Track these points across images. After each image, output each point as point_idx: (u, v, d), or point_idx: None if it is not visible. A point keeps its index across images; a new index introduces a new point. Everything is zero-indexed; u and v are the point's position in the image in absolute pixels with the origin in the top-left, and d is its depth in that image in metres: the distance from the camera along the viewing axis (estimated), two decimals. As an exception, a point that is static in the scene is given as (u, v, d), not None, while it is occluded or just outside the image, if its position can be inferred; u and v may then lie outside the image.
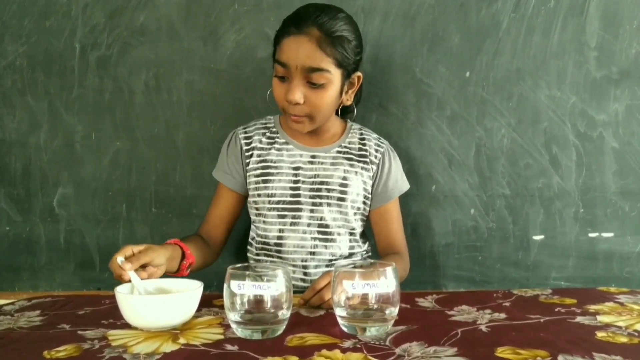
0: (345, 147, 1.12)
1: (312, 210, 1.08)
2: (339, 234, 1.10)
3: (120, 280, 0.84)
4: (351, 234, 1.11)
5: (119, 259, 0.83)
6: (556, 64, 1.25)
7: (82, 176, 1.29)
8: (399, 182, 1.14)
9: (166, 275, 0.92)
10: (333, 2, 1.21)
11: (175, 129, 1.28)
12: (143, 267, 0.86)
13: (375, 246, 1.17)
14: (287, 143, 1.11)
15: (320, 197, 1.08)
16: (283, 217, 1.09)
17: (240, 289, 0.73)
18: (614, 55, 1.25)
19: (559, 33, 1.25)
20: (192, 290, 0.79)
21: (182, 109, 1.28)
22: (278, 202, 1.08)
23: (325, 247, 1.09)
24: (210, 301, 0.92)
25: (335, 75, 1.00)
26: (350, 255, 1.11)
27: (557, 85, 1.25)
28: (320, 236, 1.09)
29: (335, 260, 1.09)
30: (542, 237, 1.27)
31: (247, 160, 1.11)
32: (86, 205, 1.29)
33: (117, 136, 1.29)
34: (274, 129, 1.14)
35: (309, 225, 1.08)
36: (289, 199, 1.08)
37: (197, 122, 1.28)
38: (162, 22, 1.27)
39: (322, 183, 1.09)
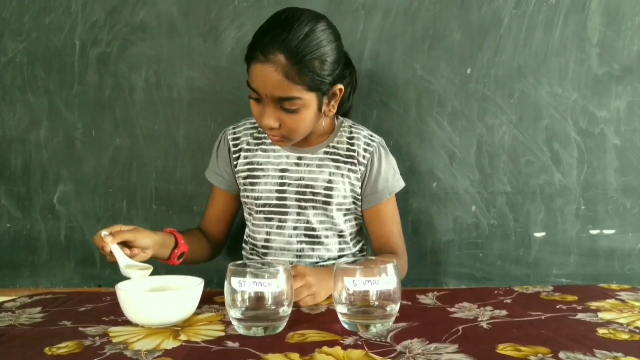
0: (333, 147, 1.09)
1: (298, 214, 1.07)
2: (326, 237, 1.08)
3: (103, 253, 0.88)
4: (340, 236, 1.10)
5: (103, 232, 0.86)
6: (557, 61, 1.24)
7: (82, 173, 1.29)
8: (390, 182, 1.10)
9: (155, 262, 0.93)
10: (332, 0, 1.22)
11: (175, 126, 1.28)
12: (128, 247, 0.88)
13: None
14: (273, 144, 1.09)
15: (305, 200, 1.06)
16: (270, 219, 1.08)
17: (241, 286, 0.73)
18: (615, 51, 1.24)
19: (561, 30, 1.24)
20: (192, 287, 0.79)
21: (182, 105, 1.28)
22: (264, 205, 1.07)
23: (313, 249, 1.08)
24: (211, 298, 0.92)
25: (308, 99, 0.95)
26: (340, 257, 1.10)
27: (559, 82, 1.25)
28: (307, 239, 1.07)
29: (324, 262, 1.08)
30: (543, 234, 1.27)
31: (235, 162, 1.11)
32: (86, 203, 1.29)
33: (117, 133, 1.28)
34: (261, 129, 1.10)
35: (295, 228, 1.07)
36: (275, 202, 1.07)
37: (197, 119, 1.28)
38: (162, 19, 1.26)
39: (307, 186, 1.06)
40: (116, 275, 1.34)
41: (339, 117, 1.13)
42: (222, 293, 0.76)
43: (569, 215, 1.27)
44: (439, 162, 1.27)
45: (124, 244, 0.88)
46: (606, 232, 1.27)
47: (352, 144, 1.09)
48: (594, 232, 1.27)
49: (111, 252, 0.86)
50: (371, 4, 1.25)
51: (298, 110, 0.95)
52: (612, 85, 1.25)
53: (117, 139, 1.28)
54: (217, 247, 1.15)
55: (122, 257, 0.86)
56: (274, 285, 0.73)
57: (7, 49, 1.28)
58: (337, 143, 1.09)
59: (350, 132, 1.10)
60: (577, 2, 1.23)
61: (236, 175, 1.11)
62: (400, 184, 1.12)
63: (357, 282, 0.74)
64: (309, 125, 1.01)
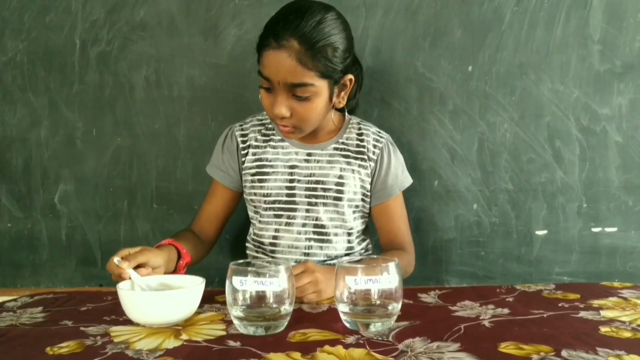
0: (343, 143, 1.09)
1: (307, 210, 1.06)
2: (335, 235, 1.08)
3: (119, 281, 0.84)
4: (349, 234, 1.09)
5: (116, 259, 0.83)
6: (559, 58, 1.24)
7: (83, 172, 1.29)
8: (399, 177, 1.11)
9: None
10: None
11: (176, 124, 1.28)
12: (141, 267, 0.85)
13: (378, 242, 1.17)
14: (282, 140, 1.09)
15: (316, 196, 1.06)
16: (279, 216, 1.07)
17: (243, 285, 0.73)
18: (617, 48, 1.24)
19: (562, 26, 1.24)
20: (194, 286, 0.79)
21: (182, 104, 1.27)
22: (274, 202, 1.07)
23: (320, 247, 1.08)
24: (213, 297, 0.92)
25: (320, 86, 0.95)
26: (347, 256, 1.09)
27: (560, 79, 1.24)
28: (316, 237, 1.07)
29: (331, 261, 1.08)
30: (545, 232, 1.27)
31: (243, 159, 1.10)
32: (87, 202, 1.29)
33: (118, 132, 1.28)
34: (270, 126, 1.11)
35: (303, 225, 1.07)
36: (284, 198, 1.07)
37: (198, 117, 1.28)
38: (163, 17, 1.26)
39: (317, 182, 1.06)
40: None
41: (347, 114, 1.13)
42: (224, 292, 0.76)
43: (570, 213, 1.26)
44: (441, 160, 1.27)
45: (138, 266, 0.85)
46: (608, 229, 1.26)
47: (362, 140, 1.10)
48: (596, 229, 1.27)
49: (129, 277, 0.83)
50: (372, 1, 1.24)
51: (310, 98, 0.96)
52: (614, 82, 1.24)
53: (117, 138, 1.28)
54: (211, 245, 1.14)
55: (140, 281, 0.83)
56: (275, 284, 0.73)
57: (7, 48, 1.28)
58: (347, 139, 1.10)
59: (359, 129, 1.11)
60: (579, -1, 1.23)
61: (243, 172, 1.10)
62: (408, 180, 1.13)
63: (358, 281, 0.73)
64: (319, 116, 1.01)
